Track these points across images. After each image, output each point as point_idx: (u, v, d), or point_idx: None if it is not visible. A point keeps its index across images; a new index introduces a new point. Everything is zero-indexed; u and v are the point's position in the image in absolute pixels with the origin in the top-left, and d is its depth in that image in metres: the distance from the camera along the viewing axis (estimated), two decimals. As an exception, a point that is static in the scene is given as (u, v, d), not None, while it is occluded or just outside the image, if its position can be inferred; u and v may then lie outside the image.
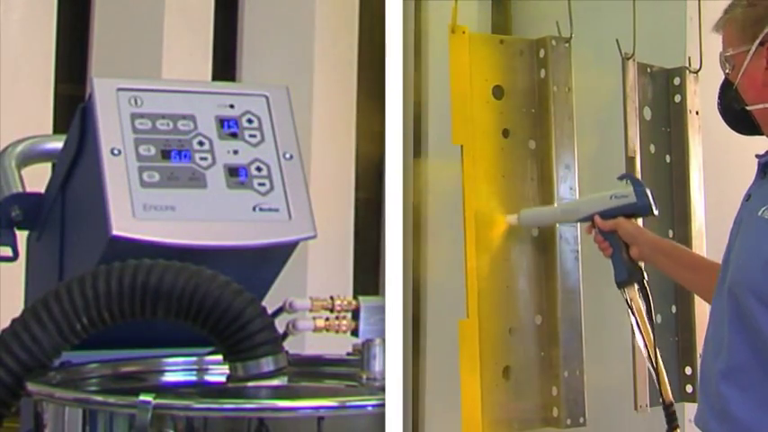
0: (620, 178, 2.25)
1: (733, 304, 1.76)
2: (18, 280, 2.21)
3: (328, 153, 4.18)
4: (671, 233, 2.60)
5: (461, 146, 2.33)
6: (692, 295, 2.56)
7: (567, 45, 2.45)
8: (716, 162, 2.71)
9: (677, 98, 2.63)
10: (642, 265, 2.22)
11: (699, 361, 2.52)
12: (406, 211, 2.72)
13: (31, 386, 1.56)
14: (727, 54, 1.85)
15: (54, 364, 1.62)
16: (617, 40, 2.44)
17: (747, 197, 1.85)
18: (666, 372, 2.52)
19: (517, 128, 2.43)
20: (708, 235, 2.62)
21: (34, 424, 1.57)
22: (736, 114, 1.87)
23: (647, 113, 2.58)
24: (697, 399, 1.91)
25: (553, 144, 2.42)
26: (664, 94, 2.64)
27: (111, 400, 1.53)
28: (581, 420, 2.39)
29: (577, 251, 2.43)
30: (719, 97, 1.91)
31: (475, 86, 2.37)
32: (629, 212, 2.21)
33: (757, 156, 1.88)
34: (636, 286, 2.18)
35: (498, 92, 2.42)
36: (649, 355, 2.20)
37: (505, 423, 2.33)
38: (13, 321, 1.60)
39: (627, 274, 2.18)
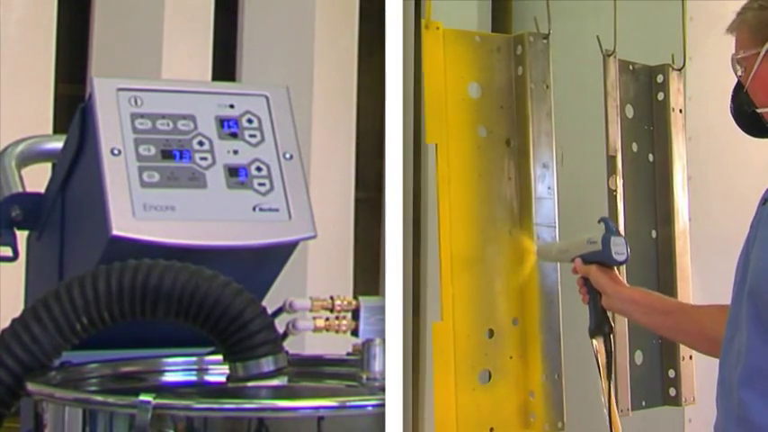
0: (600, 221, 2.19)
1: (753, 309, 1.72)
2: (18, 280, 2.21)
3: (328, 153, 4.18)
4: (654, 234, 2.57)
5: (435, 144, 2.30)
6: (674, 298, 2.51)
7: (545, 41, 2.41)
8: (700, 161, 2.69)
9: (660, 96, 2.59)
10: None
11: (682, 363, 2.51)
12: (405, 210, 2.72)
13: (31, 386, 1.56)
14: (739, 56, 1.83)
15: (54, 364, 1.62)
16: (597, 37, 2.40)
17: (764, 201, 1.82)
18: (650, 375, 2.49)
19: (494, 126, 2.38)
20: (691, 236, 2.60)
21: (34, 424, 1.57)
22: (748, 117, 1.86)
23: (629, 111, 2.55)
24: (716, 407, 1.88)
25: (531, 142, 2.38)
26: (646, 91, 2.60)
27: (111, 400, 1.53)
28: (559, 425, 2.35)
29: None
30: (732, 100, 1.89)
31: (450, 84, 2.32)
32: (600, 260, 2.15)
33: None
34: (602, 338, 2.16)
35: (474, 89, 2.38)
36: (608, 403, 2.19)
37: (482, 428, 2.29)
38: (13, 321, 1.60)
39: (594, 325, 2.16)
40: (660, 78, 2.60)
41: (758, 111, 1.82)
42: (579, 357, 2.43)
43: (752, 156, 1.96)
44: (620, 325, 2.37)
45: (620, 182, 2.42)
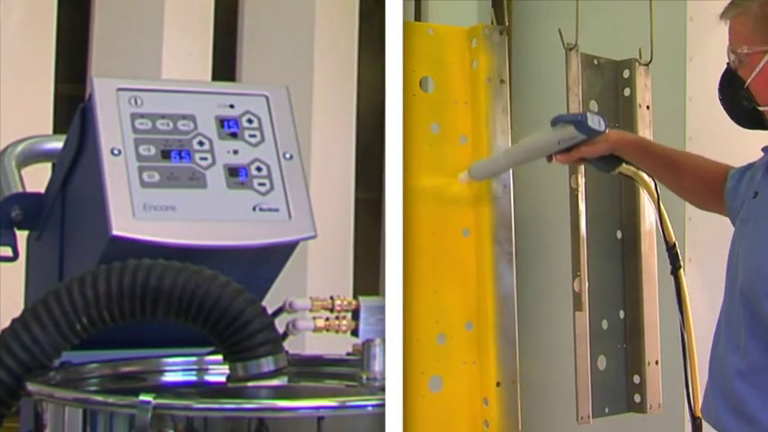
0: (554, 124, 2.10)
1: (747, 308, 1.71)
2: (18, 280, 2.21)
3: (328, 153, 4.18)
4: (619, 234, 2.50)
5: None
6: (640, 300, 2.47)
7: (501, 35, 2.33)
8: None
9: (626, 92, 2.52)
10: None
11: (647, 369, 2.44)
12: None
13: (31, 386, 1.56)
14: (740, 51, 1.78)
15: (54, 364, 1.62)
16: (559, 30, 2.34)
17: (754, 194, 1.80)
18: (614, 380, 2.41)
19: (447, 122, 2.31)
20: (690, 235, 2.57)
21: (34, 424, 1.57)
22: (745, 112, 1.81)
23: (594, 107, 2.48)
24: (705, 392, 1.86)
25: (486, 139, 2.30)
26: (612, 87, 2.53)
27: (111, 400, 1.53)
28: (514, 433, 2.30)
29: (511, 254, 2.30)
30: (721, 91, 1.84)
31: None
32: (585, 140, 2.07)
33: (764, 149, 1.83)
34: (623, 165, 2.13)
35: (427, 84, 2.30)
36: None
37: (433, 438, 2.21)
38: (13, 321, 1.60)
39: (609, 167, 2.11)
40: (626, 74, 2.53)
41: (760, 108, 1.79)
42: (535, 363, 2.38)
43: (751, 156, 1.95)
44: (582, 328, 2.31)
45: (581, 180, 2.36)
